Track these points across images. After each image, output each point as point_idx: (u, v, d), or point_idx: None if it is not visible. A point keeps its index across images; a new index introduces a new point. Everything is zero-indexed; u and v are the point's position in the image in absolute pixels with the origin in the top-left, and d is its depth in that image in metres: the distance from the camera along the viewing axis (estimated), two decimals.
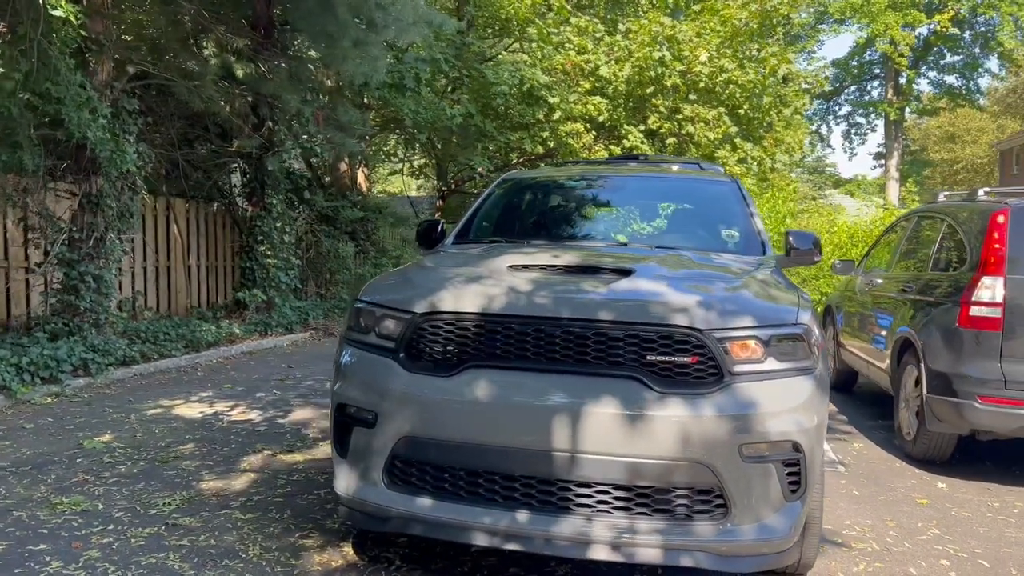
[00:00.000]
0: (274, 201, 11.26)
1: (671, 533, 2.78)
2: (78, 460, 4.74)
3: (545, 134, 13.11)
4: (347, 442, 3.11)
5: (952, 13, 31.50)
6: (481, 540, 2.86)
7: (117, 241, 8.03)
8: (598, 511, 2.81)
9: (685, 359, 2.85)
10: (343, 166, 13.19)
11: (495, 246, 4.24)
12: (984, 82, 38.83)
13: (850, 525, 4.05)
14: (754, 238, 4.34)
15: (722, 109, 13.78)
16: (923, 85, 37.65)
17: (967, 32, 34.45)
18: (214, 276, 11.39)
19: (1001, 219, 5.00)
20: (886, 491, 4.65)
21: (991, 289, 4.81)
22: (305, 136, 11.02)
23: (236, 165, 11.38)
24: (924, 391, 5.07)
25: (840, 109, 41.41)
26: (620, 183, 5.04)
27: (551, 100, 12.11)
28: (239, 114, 10.43)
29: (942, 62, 36.19)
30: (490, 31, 12.97)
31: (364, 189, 14.27)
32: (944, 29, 32.49)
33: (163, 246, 10.29)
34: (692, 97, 13.50)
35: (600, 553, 2.78)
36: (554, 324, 2.91)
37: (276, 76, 9.76)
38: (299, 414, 6.16)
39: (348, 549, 3.53)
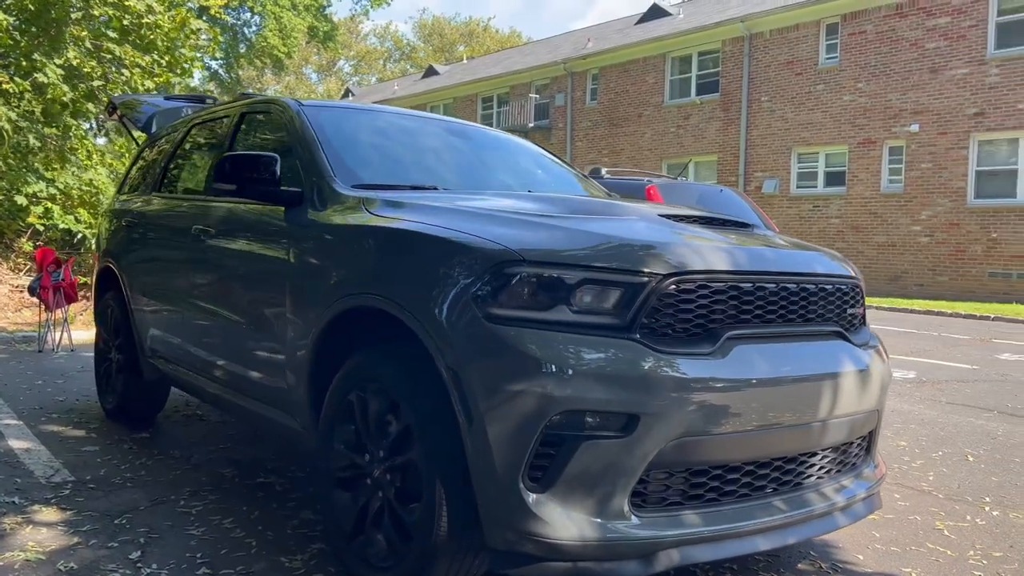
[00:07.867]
0: None
1: (862, 484, 2.76)
2: None
3: None
4: (559, 467, 2.18)
5: (226, 1, 33.16)
6: (765, 544, 2.41)
7: None
8: (817, 479, 2.64)
9: (860, 310, 2.95)
10: None
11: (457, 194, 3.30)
12: (244, 73, 42.08)
13: None
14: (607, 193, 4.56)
15: (156, 55, 11.88)
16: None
17: (233, 22, 36.70)
18: None
19: (653, 191, 6.41)
20: None
21: None
22: None
23: None
24: None
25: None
26: (458, 128, 4.38)
27: None
28: None
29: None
30: None
31: None
32: (217, 15, 34.01)
33: None
34: (113, 35, 11.18)
35: (843, 521, 2.64)
36: (793, 280, 2.60)
37: None
38: None
39: None
